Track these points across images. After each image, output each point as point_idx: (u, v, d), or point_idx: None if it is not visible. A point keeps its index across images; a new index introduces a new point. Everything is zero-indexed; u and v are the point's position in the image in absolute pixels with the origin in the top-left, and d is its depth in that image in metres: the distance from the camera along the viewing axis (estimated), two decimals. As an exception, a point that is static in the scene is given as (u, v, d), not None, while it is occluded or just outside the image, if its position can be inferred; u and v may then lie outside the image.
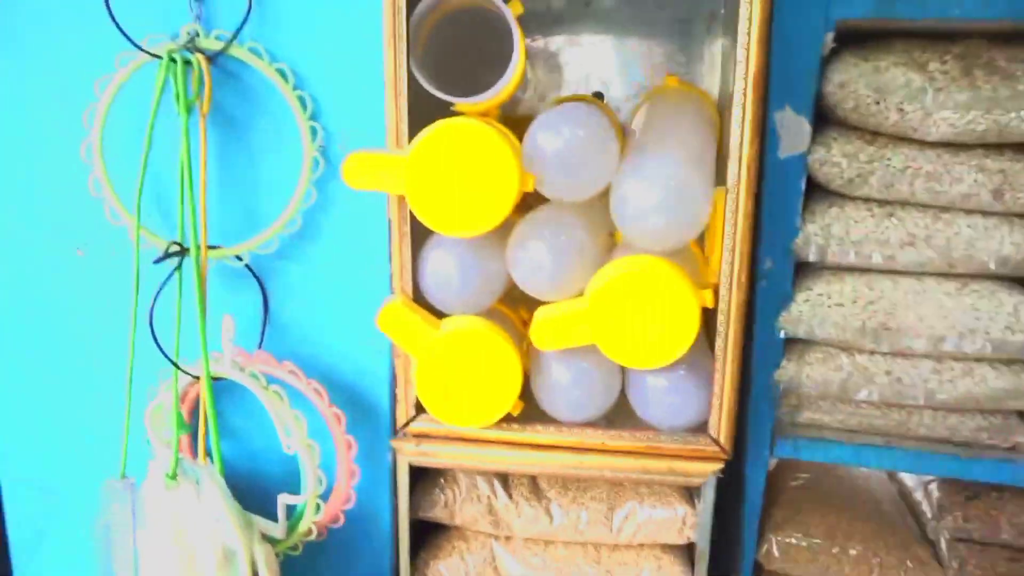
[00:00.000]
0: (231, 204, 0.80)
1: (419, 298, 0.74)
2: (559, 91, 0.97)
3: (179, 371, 0.78)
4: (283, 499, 0.77)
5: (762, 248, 0.90)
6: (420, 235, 0.72)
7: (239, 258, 0.80)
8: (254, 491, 0.82)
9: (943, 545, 0.99)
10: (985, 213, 0.85)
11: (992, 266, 0.84)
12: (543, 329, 0.69)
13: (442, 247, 0.72)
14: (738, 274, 0.66)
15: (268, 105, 0.77)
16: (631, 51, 0.96)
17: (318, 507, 0.78)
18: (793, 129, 0.85)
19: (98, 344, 0.88)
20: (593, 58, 0.97)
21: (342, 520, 0.80)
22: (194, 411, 0.83)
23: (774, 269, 0.89)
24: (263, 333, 0.82)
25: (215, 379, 0.79)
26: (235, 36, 0.75)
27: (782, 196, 0.87)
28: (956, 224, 0.85)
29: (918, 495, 1.09)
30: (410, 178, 0.65)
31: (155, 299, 0.77)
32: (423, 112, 0.71)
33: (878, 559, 0.98)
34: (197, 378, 0.79)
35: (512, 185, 0.65)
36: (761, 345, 0.91)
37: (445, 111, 0.73)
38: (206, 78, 0.74)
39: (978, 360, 0.88)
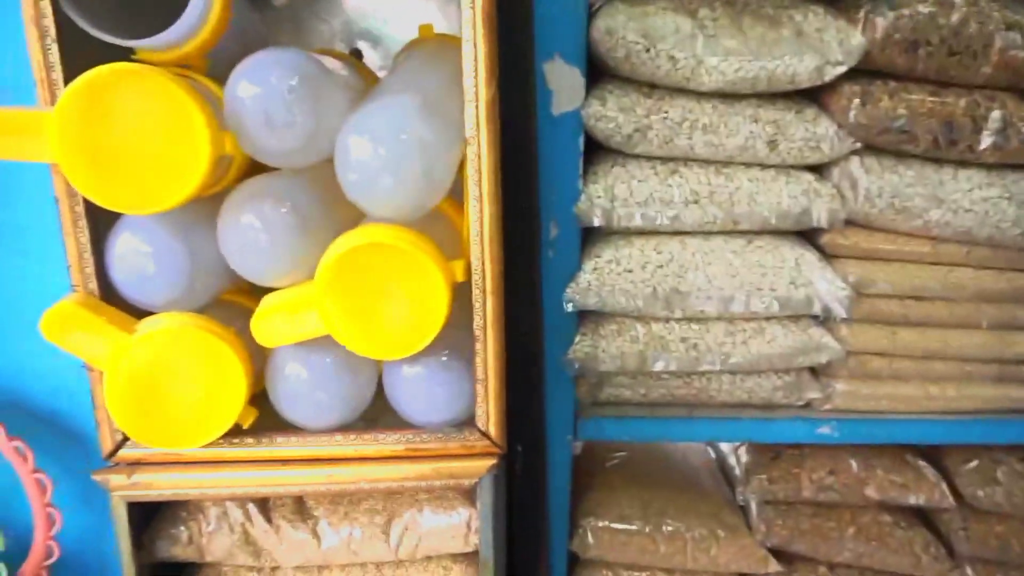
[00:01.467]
0: None
1: (116, 297, 0.60)
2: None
3: None
4: (-54, 570, 0.60)
5: (545, 215, 0.82)
6: (109, 215, 0.58)
7: None
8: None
9: (752, 509, 0.97)
10: (763, 166, 0.82)
11: (773, 221, 0.82)
12: (265, 321, 0.57)
13: (132, 228, 0.57)
14: (489, 239, 0.57)
15: None
16: (397, 4, 0.85)
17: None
18: (565, 82, 0.78)
19: None
20: (355, 13, 0.85)
21: (44, 582, 0.64)
22: None
23: (560, 236, 0.82)
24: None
25: None
26: None
27: (560, 157, 0.80)
28: (737, 178, 0.81)
29: (732, 460, 1.07)
30: (59, 140, 0.50)
31: None
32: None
33: (691, 533, 0.95)
34: None
35: (200, 146, 0.52)
36: (552, 321, 0.84)
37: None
38: None
39: (768, 319, 0.85)
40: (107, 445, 0.61)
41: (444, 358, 0.62)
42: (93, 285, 0.58)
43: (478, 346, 0.60)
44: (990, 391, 0.89)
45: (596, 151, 0.83)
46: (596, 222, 0.81)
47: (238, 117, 0.55)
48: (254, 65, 0.56)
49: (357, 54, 0.84)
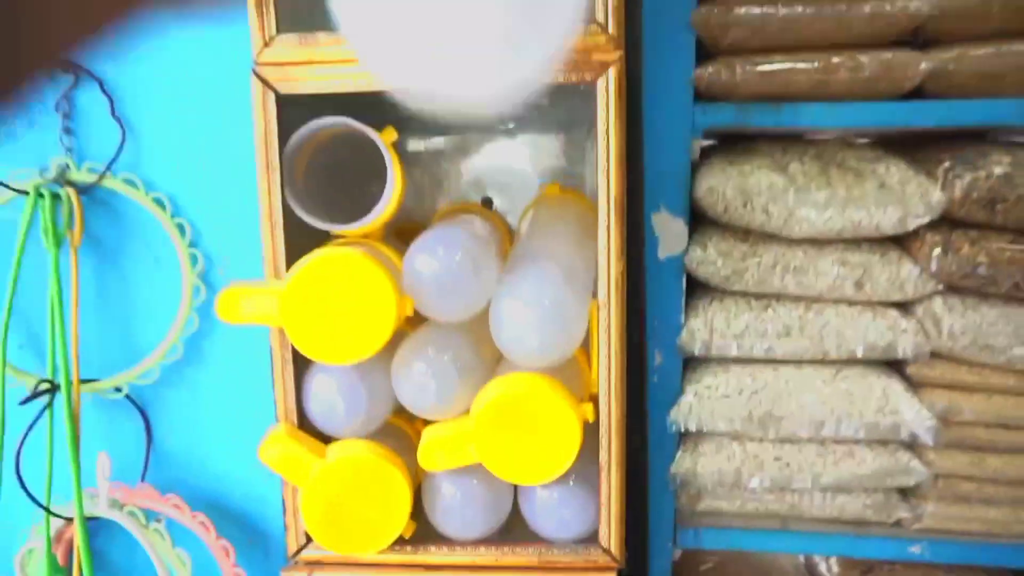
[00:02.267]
0: (108, 335, 0.78)
1: (306, 423, 0.74)
2: (448, 195, 0.99)
3: (50, 515, 0.74)
4: (167, 645, 0.73)
5: (651, 344, 0.93)
6: (304, 359, 0.72)
7: (118, 389, 0.78)
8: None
9: (845, 620, 1.02)
10: (850, 303, 0.91)
11: (860, 353, 0.89)
12: (429, 450, 0.69)
13: (325, 372, 0.71)
14: (615, 386, 0.68)
15: (145, 233, 0.77)
16: (520, 155, 0.99)
17: (205, 651, 0.74)
18: (670, 231, 0.89)
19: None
20: (483, 162, 1.00)
21: (234, 660, 0.77)
22: (71, 553, 0.78)
23: (663, 364, 0.93)
24: (146, 465, 0.80)
25: (93, 518, 0.75)
26: (108, 168, 0.74)
27: (664, 295, 0.91)
28: (826, 314, 0.90)
29: (822, 568, 1.12)
30: (286, 311, 0.65)
31: (23, 440, 0.74)
32: (305, 236, 0.72)
33: (785, 640, 1.00)
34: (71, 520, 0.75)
35: (390, 312, 0.66)
36: (656, 439, 0.94)
37: (326, 235, 0.74)
38: (77, 211, 0.73)
39: (856, 442, 0.92)
40: (292, 547, 0.74)
41: (572, 483, 0.73)
42: (293, 417, 0.72)
43: (602, 475, 0.70)
44: (1082, 517, 0.92)
45: (697, 286, 0.94)
46: (697, 352, 0.91)
47: (415, 286, 0.68)
48: (427, 243, 0.70)
49: (488, 203, 0.98)
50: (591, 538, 0.73)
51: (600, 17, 0.65)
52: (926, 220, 0.86)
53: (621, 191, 0.66)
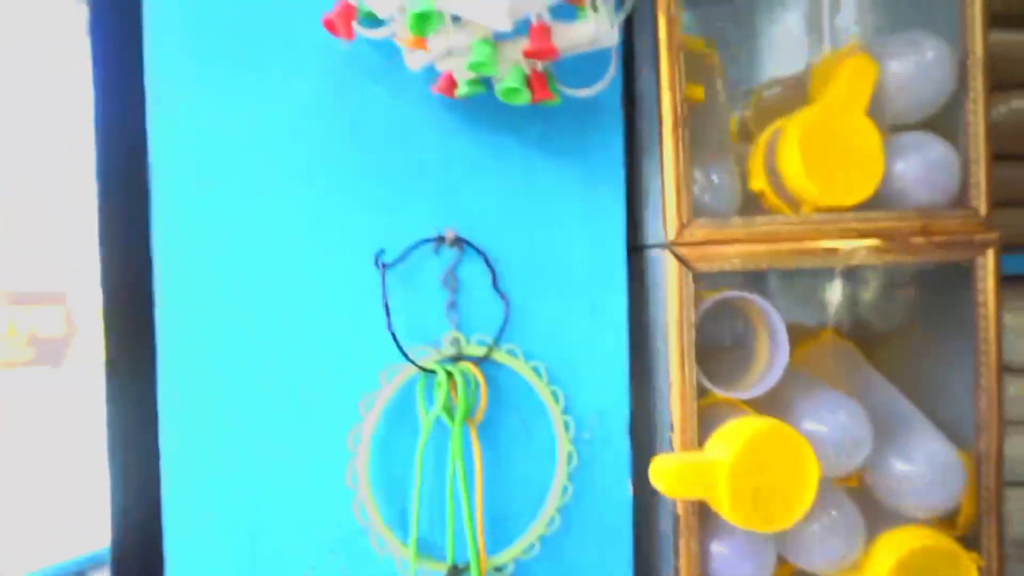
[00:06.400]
0: (489, 511, 0.76)
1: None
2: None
3: None
4: None
5: None
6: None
7: (499, 569, 0.75)
8: None
9: None
10: None
11: None
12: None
13: (722, 539, 0.74)
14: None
15: (517, 404, 0.77)
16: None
17: None
18: None
19: None
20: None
21: None
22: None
23: None
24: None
25: None
26: (497, 340, 0.75)
27: None
28: None
29: None
30: (728, 483, 0.68)
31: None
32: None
33: None
34: None
35: (812, 479, 0.70)
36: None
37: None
38: (482, 385, 0.73)
39: None
40: None
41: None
42: (694, 579, 0.72)
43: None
44: None
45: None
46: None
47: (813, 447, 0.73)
48: (828, 412, 0.75)
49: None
50: None
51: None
52: None
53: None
